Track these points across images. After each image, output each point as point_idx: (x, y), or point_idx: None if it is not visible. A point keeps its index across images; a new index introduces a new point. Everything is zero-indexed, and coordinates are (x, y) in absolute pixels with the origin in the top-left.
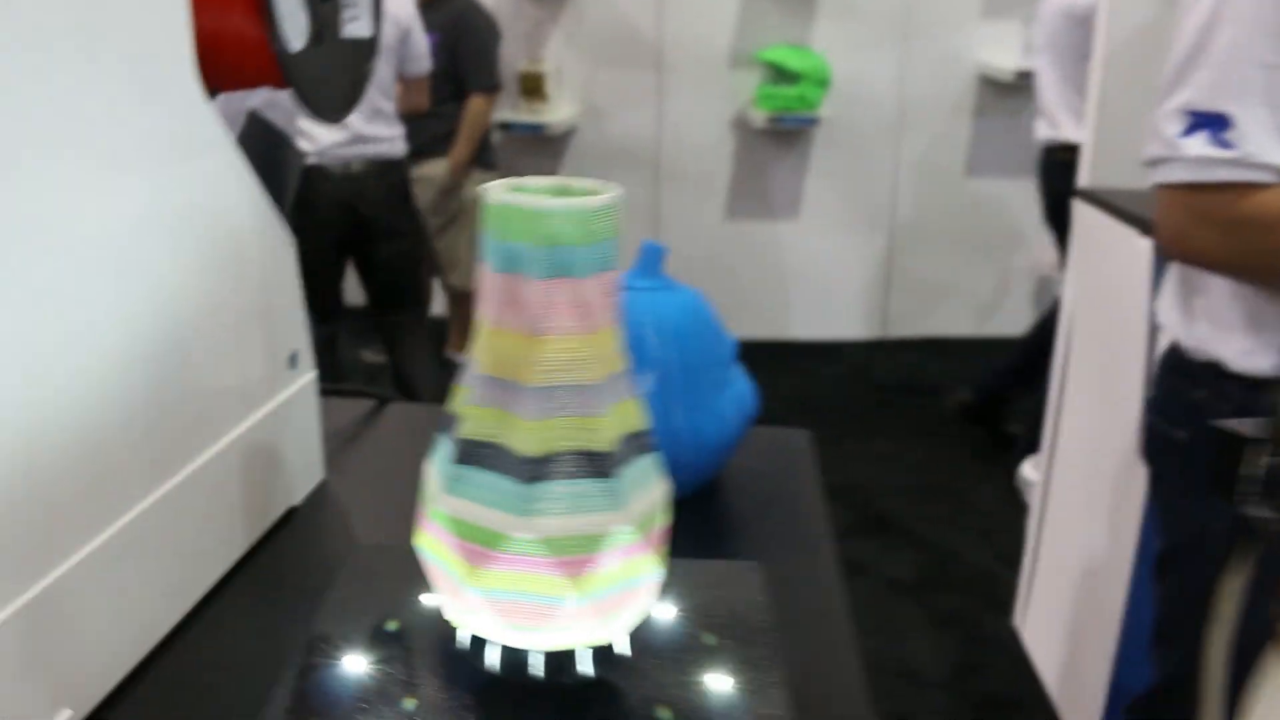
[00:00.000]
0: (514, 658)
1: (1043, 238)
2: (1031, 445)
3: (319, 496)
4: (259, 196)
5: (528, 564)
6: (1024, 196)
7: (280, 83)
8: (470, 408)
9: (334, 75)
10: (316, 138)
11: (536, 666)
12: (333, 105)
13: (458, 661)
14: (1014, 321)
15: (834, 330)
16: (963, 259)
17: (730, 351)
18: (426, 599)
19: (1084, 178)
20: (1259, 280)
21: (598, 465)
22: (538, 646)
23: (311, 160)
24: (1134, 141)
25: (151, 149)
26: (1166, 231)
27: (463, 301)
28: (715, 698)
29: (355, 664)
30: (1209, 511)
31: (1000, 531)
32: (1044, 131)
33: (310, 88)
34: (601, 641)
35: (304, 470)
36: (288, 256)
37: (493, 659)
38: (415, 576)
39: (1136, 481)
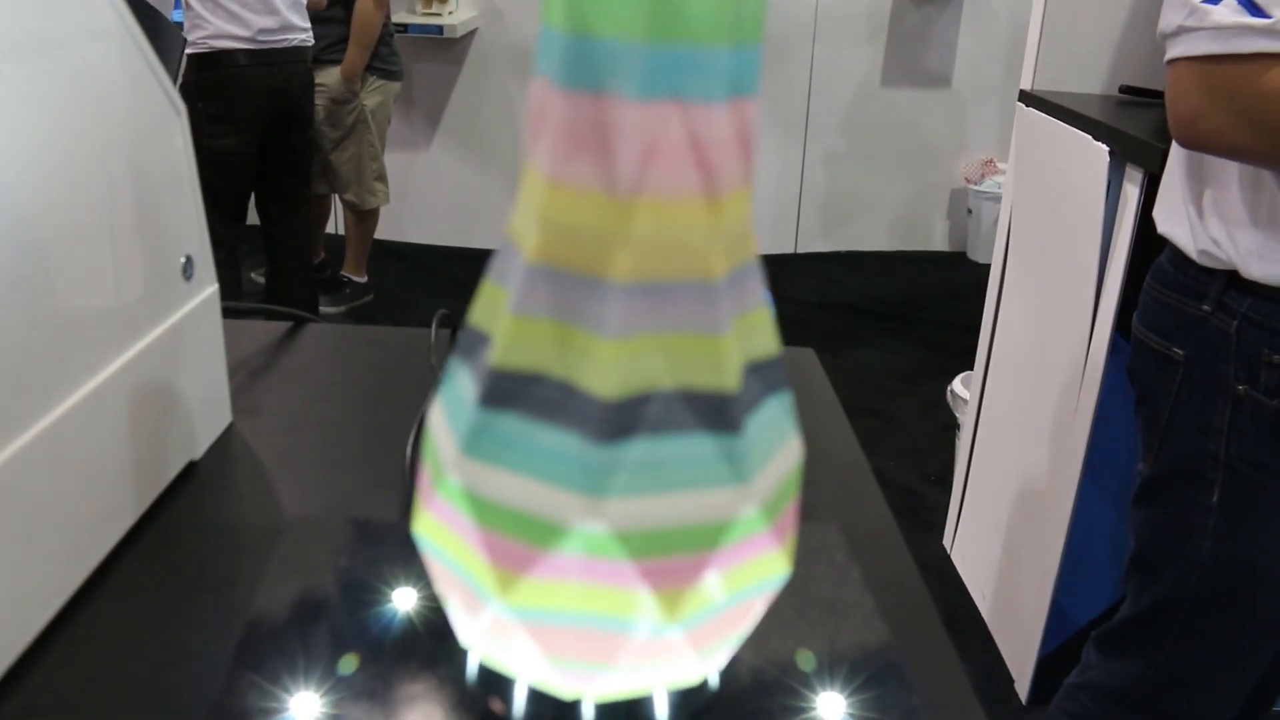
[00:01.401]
0: (551, 704)
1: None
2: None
3: (224, 446)
4: (139, 59)
5: (599, 571)
6: (939, 108)
7: None
8: (513, 319)
9: None
10: (250, 23)
11: (585, 717)
12: None
13: (457, 700)
14: (927, 236)
15: None
16: (877, 172)
17: None
18: (399, 598)
19: (1026, 79)
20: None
21: (711, 412)
22: (604, 693)
23: (242, 47)
24: (1081, 42)
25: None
26: (1180, 111)
27: (361, 220)
28: None
29: (305, 707)
30: (1206, 436)
31: (923, 450)
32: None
33: None
34: (692, 682)
35: (205, 413)
36: (180, 134)
37: (518, 706)
38: (370, 565)
39: (1087, 396)
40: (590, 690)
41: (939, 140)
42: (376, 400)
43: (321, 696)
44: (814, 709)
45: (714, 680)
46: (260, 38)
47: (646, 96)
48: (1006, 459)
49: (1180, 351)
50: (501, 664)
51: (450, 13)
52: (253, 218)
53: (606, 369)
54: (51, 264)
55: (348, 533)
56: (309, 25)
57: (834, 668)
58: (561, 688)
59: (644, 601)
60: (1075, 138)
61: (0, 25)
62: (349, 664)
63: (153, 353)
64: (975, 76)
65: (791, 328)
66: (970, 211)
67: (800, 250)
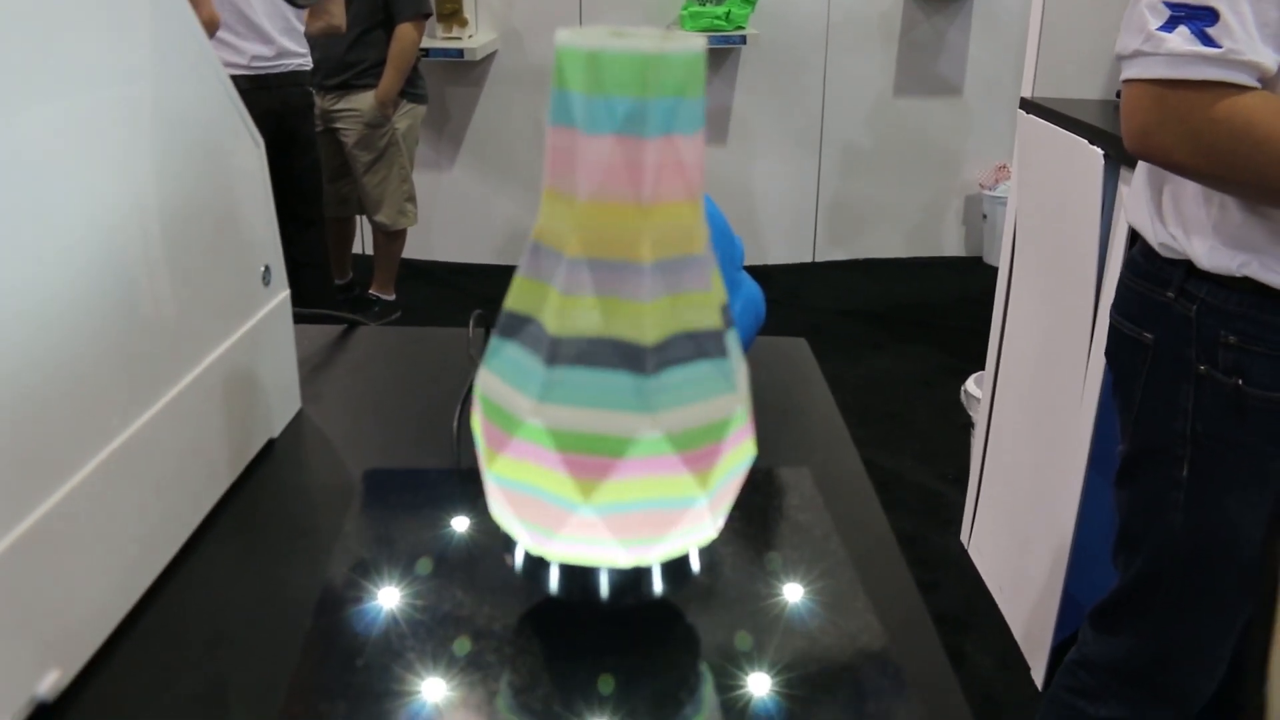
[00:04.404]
0: (576, 580)
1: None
2: None
3: (297, 427)
4: (226, 100)
5: (657, 466)
6: (952, 115)
7: None
8: (568, 299)
9: None
10: (244, 50)
11: (601, 587)
12: None
13: (508, 588)
14: (943, 242)
15: (764, 256)
16: (892, 179)
17: (740, 254)
18: (456, 523)
19: (1026, 87)
20: (1220, 187)
21: (711, 344)
22: (658, 559)
23: (240, 73)
24: (1077, 49)
25: (108, 54)
26: (1133, 128)
27: (389, 240)
28: (794, 622)
29: (388, 596)
30: (1173, 415)
31: (940, 451)
32: None
33: None
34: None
35: (282, 398)
36: (258, 162)
37: (553, 583)
38: (432, 500)
39: (1090, 389)
40: (657, 557)
41: (952, 147)
42: (422, 386)
43: (401, 590)
44: (780, 595)
45: (696, 564)
46: (255, 64)
47: (659, 134)
48: (1017, 455)
49: (1150, 335)
50: (577, 556)
51: (470, 36)
52: None
53: (646, 323)
54: (165, 274)
55: (410, 480)
56: (307, 51)
57: (795, 566)
58: (633, 562)
59: (690, 482)
60: (1072, 142)
61: (122, 79)
62: (425, 565)
63: (239, 348)
64: (986, 83)
65: (811, 335)
66: (985, 216)
67: (818, 259)
